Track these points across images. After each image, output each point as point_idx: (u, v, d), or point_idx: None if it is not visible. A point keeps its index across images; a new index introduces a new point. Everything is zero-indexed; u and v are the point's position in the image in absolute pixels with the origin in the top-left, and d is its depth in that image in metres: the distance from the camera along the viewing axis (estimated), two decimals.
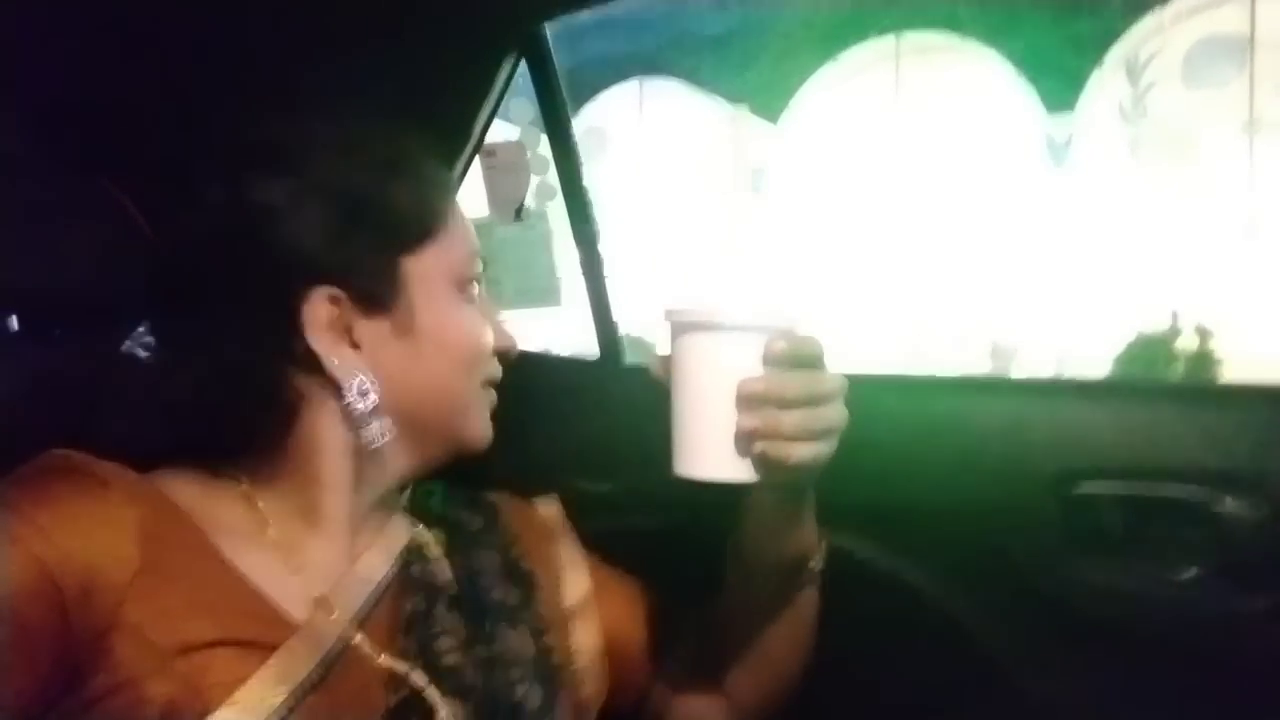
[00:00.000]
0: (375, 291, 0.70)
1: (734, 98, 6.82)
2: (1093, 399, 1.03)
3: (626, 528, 1.12)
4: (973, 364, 5.91)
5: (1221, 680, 0.90)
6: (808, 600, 0.84)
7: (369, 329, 0.70)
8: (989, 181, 5.85)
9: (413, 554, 0.76)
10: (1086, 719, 0.95)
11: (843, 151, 6.25)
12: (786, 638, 0.85)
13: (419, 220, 0.73)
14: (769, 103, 6.65)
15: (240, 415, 0.69)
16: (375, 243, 0.71)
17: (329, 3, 1.03)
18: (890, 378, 1.11)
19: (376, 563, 0.73)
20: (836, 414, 0.68)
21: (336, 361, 0.68)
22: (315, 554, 0.71)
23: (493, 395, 0.79)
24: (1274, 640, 0.88)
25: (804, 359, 0.67)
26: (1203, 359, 5.43)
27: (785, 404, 0.65)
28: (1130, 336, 5.44)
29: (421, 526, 0.79)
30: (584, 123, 6.65)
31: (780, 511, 0.78)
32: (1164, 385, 1.20)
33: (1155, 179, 5.27)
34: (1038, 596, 0.97)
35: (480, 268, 0.77)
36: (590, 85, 6.81)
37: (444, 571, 0.77)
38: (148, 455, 0.70)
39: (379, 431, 0.70)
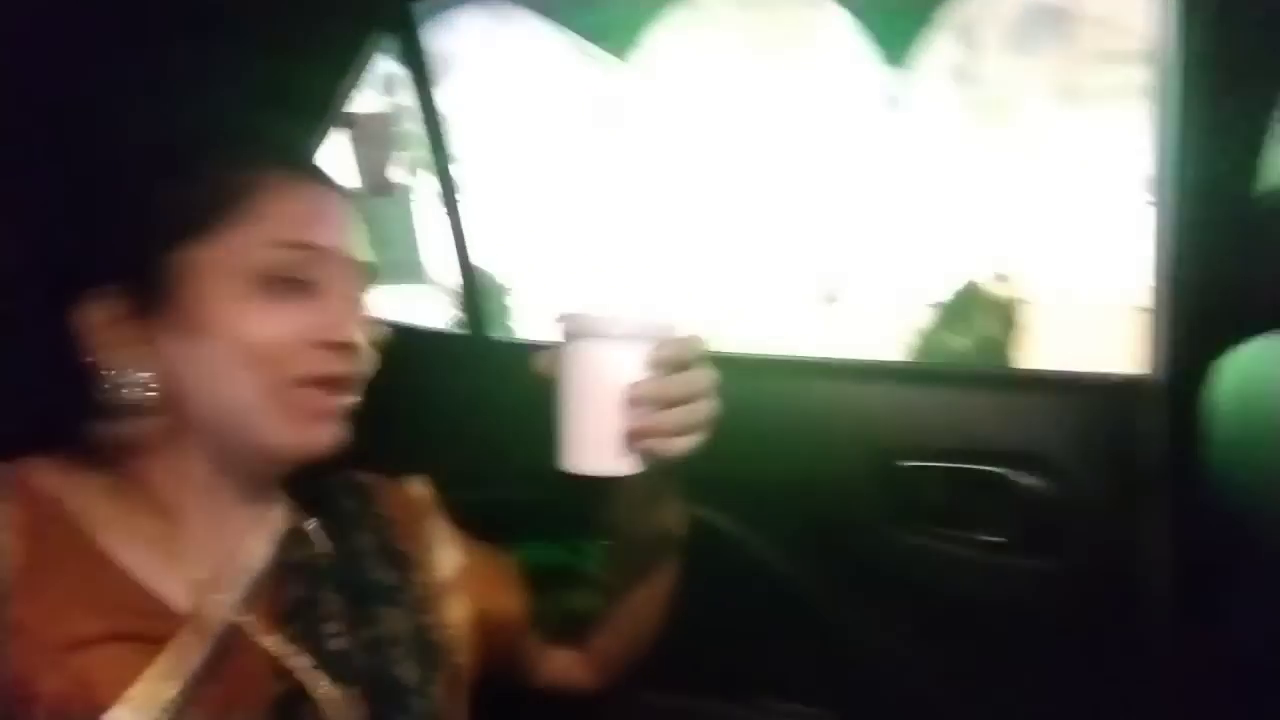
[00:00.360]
0: (148, 290, 0.69)
1: (584, 33, 6.72)
2: (915, 383, 1.15)
3: (495, 499, 1.17)
4: (807, 303, 6.18)
5: (1018, 626, 1.05)
6: (669, 567, 0.92)
7: (149, 328, 0.70)
8: (829, 130, 6.05)
9: (292, 539, 0.77)
10: (905, 664, 1.08)
11: (690, 92, 6.30)
12: (648, 601, 0.93)
13: (192, 216, 0.70)
14: (618, 40, 6.59)
15: (55, 413, 0.70)
16: (143, 241, 0.70)
17: None
18: (739, 358, 1.19)
19: (257, 549, 0.75)
20: (710, 408, 0.76)
21: (103, 357, 0.69)
22: (188, 542, 0.71)
23: (333, 397, 0.73)
24: (1062, 591, 1.02)
25: (684, 362, 0.73)
26: (1012, 304, 5.91)
27: (668, 404, 0.72)
28: (951, 281, 5.82)
29: (300, 512, 0.80)
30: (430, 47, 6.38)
31: (651, 491, 0.85)
32: (973, 371, 1.34)
33: (982, 139, 5.60)
34: (864, 560, 1.09)
35: (304, 259, 0.72)
36: (438, 5, 6.52)
37: (325, 555, 0.78)
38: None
39: (141, 429, 0.69)
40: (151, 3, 0.95)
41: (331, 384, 0.73)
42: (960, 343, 5.90)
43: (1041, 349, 5.32)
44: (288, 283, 0.71)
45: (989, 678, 1.06)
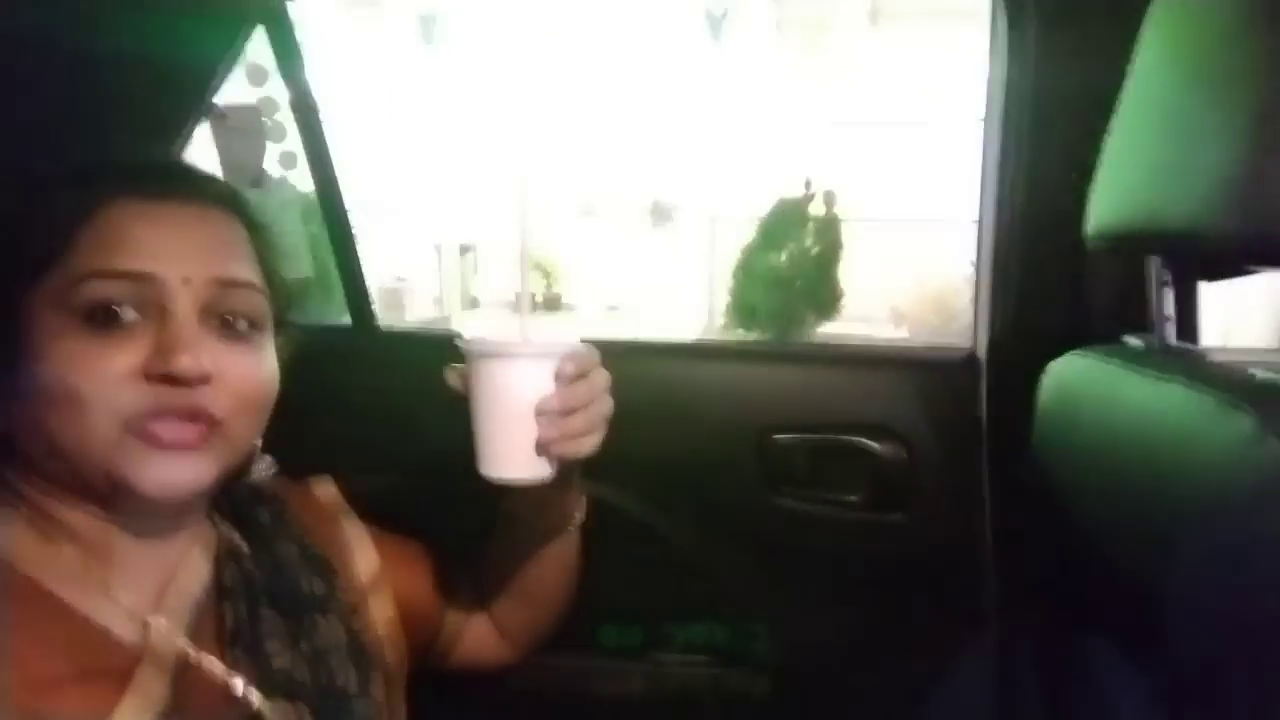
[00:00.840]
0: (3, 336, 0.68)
1: None
2: (786, 363, 1.27)
3: (395, 487, 1.20)
4: (638, 221, 6.29)
5: (877, 570, 1.22)
6: (571, 546, 1.00)
7: (9, 375, 0.68)
8: (651, 49, 6.07)
9: (226, 556, 0.79)
10: (782, 612, 1.24)
11: (517, 9, 6.12)
12: (555, 577, 1.01)
13: (23, 254, 0.69)
14: None
15: None
16: None
17: None
18: (627, 344, 1.27)
19: (195, 572, 0.76)
20: (607, 406, 0.84)
21: None
22: (123, 573, 0.72)
23: (169, 431, 0.68)
24: (911, 539, 1.19)
25: (584, 371, 0.80)
26: (829, 220, 6.23)
27: (571, 412, 0.79)
28: (772, 200, 6.06)
29: (228, 528, 0.82)
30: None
31: (557, 482, 0.89)
32: (834, 350, 1.48)
33: (795, 59, 5.78)
34: (744, 525, 1.22)
35: (123, 290, 0.68)
36: None
37: (256, 571, 0.81)
38: None
39: None
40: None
41: (174, 416, 0.68)
42: (779, 258, 6.21)
43: (859, 263, 5.70)
44: (113, 315, 0.68)
45: (853, 618, 1.22)
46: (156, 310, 0.69)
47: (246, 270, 0.76)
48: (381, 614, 0.92)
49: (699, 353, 1.30)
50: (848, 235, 5.95)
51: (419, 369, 1.21)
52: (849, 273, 5.86)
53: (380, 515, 0.97)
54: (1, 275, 0.68)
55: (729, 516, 1.22)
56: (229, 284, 0.73)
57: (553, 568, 0.99)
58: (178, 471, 0.69)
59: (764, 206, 6.06)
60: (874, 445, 1.19)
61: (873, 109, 5.65)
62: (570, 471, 0.88)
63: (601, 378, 0.82)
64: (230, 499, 0.86)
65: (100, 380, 0.66)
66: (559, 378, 0.78)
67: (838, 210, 6.03)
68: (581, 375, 0.80)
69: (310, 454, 0.97)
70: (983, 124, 1.10)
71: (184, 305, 0.69)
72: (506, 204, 5.85)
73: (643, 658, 1.25)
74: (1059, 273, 1.04)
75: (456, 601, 1.00)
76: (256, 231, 0.80)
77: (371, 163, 5.95)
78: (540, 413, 0.78)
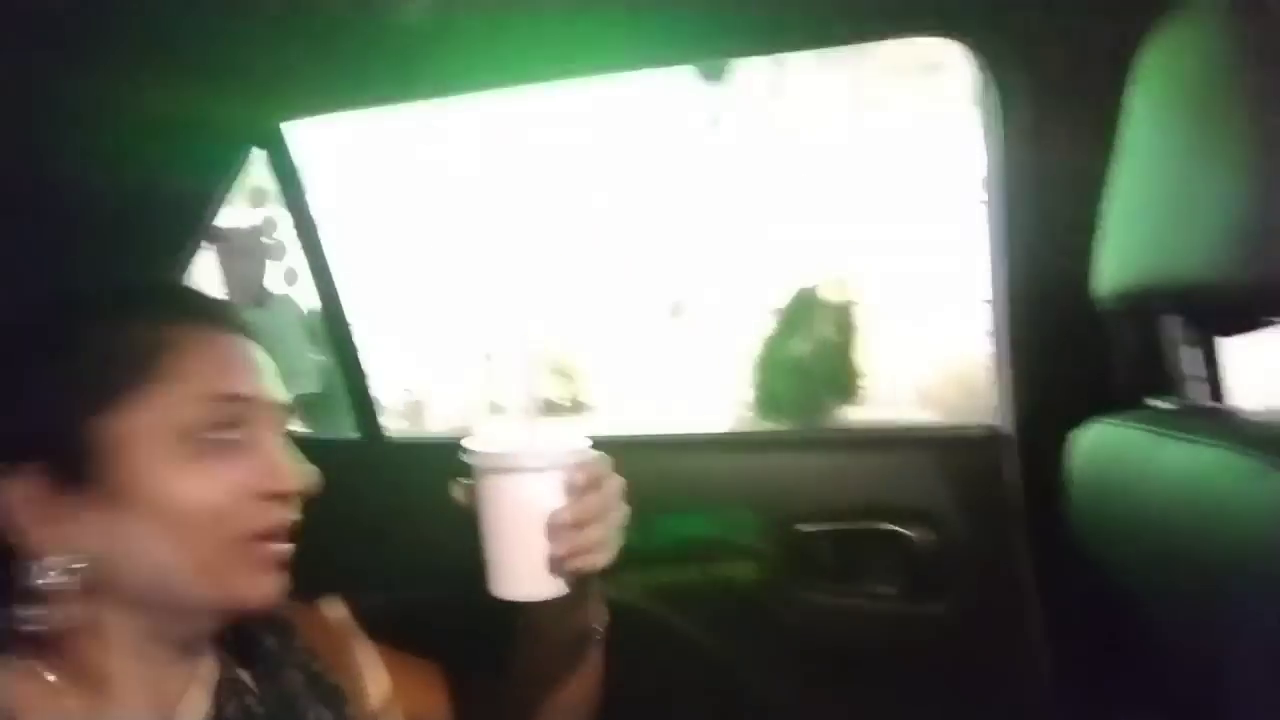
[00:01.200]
0: (69, 463, 0.66)
1: None
2: (809, 450, 1.23)
3: (408, 605, 1.17)
4: (654, 319, 6.32)
5: (913, 667, 1.15)
6: (593, 662, 0.95)
7: (74, 503, 0.66)
8: (658, 148, 6.21)
9: (227, 690, 0.76)
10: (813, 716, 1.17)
11: (520, 116, 6.32)
12: (576, 691, 0.95)
13: (111, 381, 0.68)
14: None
15: None
16: (61, 412, 0.67)
17: (67, 73, 0.94)
18: (643, 439, 1.24)
19: (194, 706, 0.73)
20: (623, 514, 0.80)
21: (32, 542, 0.66)
22: (120, 711, 0.69)
23: (275, 548, 0.71)
24: (953, 634, 1.12)
25: (596, 484, 0.76)
26: (843, 306, 6.24)
27: (585, 525, 0.75)
28: (788, 289, 6.09)
29: (230, 659, 0.79)
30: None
31: (575, 597, 0.86)
32: (856, 433, 1.45)
33: (796, 150, 5.90)
34: (768, 620, 1.16)
35: (231, 411, 0.70)
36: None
37: (261, 703, 0.78)
38: None
39: (66, 616, 0.66)
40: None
41: (275, 535, 0.71)
42: (799, 346, 6.20)
43: (878, 347, 5.66)
44: (216, 438, 0.69)
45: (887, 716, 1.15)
46: (250, 431, 0.71)
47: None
48: None
49: (713, 444, 1.26)
50: (866, 320, 5.95)
51: (430, 478, 1.19)
52: (871, 357, 5.83)
53: (393, 634, 0.93)
54: (83, 399, 0.67)
55: (753, 613, 1.16)
56: (287, 408, 0.77)
57: (575, 684, 0.94)
58: (266, 589, 0.72)
59: (781, 297, 6.08)
60: (904, 531, 1.14)
61: (874, 195, 5.72)
62: (587, 585, 0.84)
63: (614, 485, 0.78)
64: (234, 628, 0.83)
65: (214, 503, 0.67)
66: (570, 490, 0.74)
67: (851, 295, 6.04)
68: (593, 486, 0.76)
69: (320, 571, 0.94)
70: (985, 202, 1.09)
71: (274, 426, 0.73)
72: (526, 311, 5.91)
73: None
74: (1076, 339, 1.00)
75: None
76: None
77: (392, 275, 6.07)
78: (552, 530, 0.74)
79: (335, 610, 0.94)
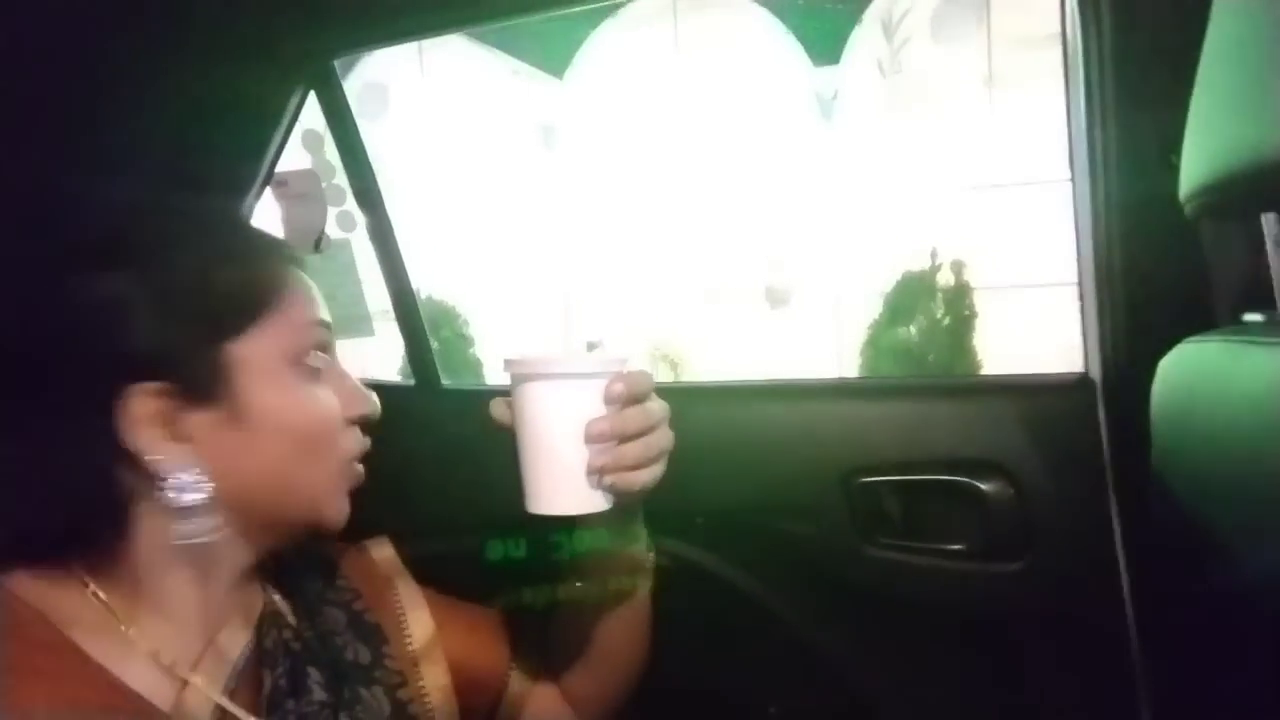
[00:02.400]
0: (198, 383, 0.67)
1: (518, 53, 6.72)
2: (870, 399, 1.15)
3: (457, 549, 1.15)
4: (753, 308, 6.22)
5: (986, 631, 1.06)
6: (640, 603, 0.92)
7: (198, 421, 0.67)
8: (762, 133, 6.10)
9: (268, 622, 0.76)
10: (881, 681, 1.09)
11: (627, 106, 6.32)
12: (623, 637, 0.93)
13: (241, 307, 0.70)
14: (553, 59, 6.60)
15: (66, 514, 0.67)
16: (195, 335, 0.68)
17: (118, 27, 0.96)
18: (697, 386, 1.19)
19: (236, 636, 0.73)
20: (667, 438, 0.77)
21: (159, 457, 0.66)
22: (169, 635, 0.69)
23: (357, 470, 0.76)
24: (1027, 595, 1.03)
25: (638, 395, 0.74)
26: (959, 290, 6.00)
27: (627, 438, 0.73)
28: (897, 274, 5.90)
29: (271, 591, 0.79)
30: (363, 78, 6.35)
31: (613, 527, 0.85)
32: (926, 382, 1.36)
33: (911, 128, 5.69)
34: (831, 578, 1.10)
35: (324, 336, 0.74)
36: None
37: (299, 638, 0.77)
38: None
39: (205, 528, 0.68)
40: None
41: (361, 458, 0.76)
42: (908, 333, 5.99)
43: (989, 332, 5.42)
44: (314, 364, 0.72)
45: (960, 683, 1.07)
46: (332, 357, 0.75)
47: None
48: (434, 681, 0.87)
49: (775, 392, 1.20)
50: (980, 304, 5.70)
51: (485, 427, 1.18)
52: (985, 343, 5.58)
53: (441, 579, 0.93)
54: (213, 323, 0.69)
55: (815, 570, 1.09)
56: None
57: (623, 626, 0.92)
58: (347, 508, 0.76)
59: (887, 282, 5.89)
60: (978, 484, 1.05)
61: (994, 172, 5.46)
62: (630, 511, 0.83)
63: (659, 407, 0.76)
64: (279, 563, 0.83)
65: (326, 424, 0.72)
66: (609, 400, 0.73)
67: (967, 278, 5.79)
68: (635, 400, 0.74)
69: (371, 515, 0.94)
70: (1065, 105, 0.99)
71: (336, 352, 0.77)
72: (632, 299, 5.91)
73: None
74: (1168, 266, 0.90)
75: (520, 668, 0.94)
76: None
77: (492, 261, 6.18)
78: (591, 440, 0.72)
79: (382, 550, 0.94)
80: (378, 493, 1.12)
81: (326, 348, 0.74)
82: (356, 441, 0.75)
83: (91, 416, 0.65)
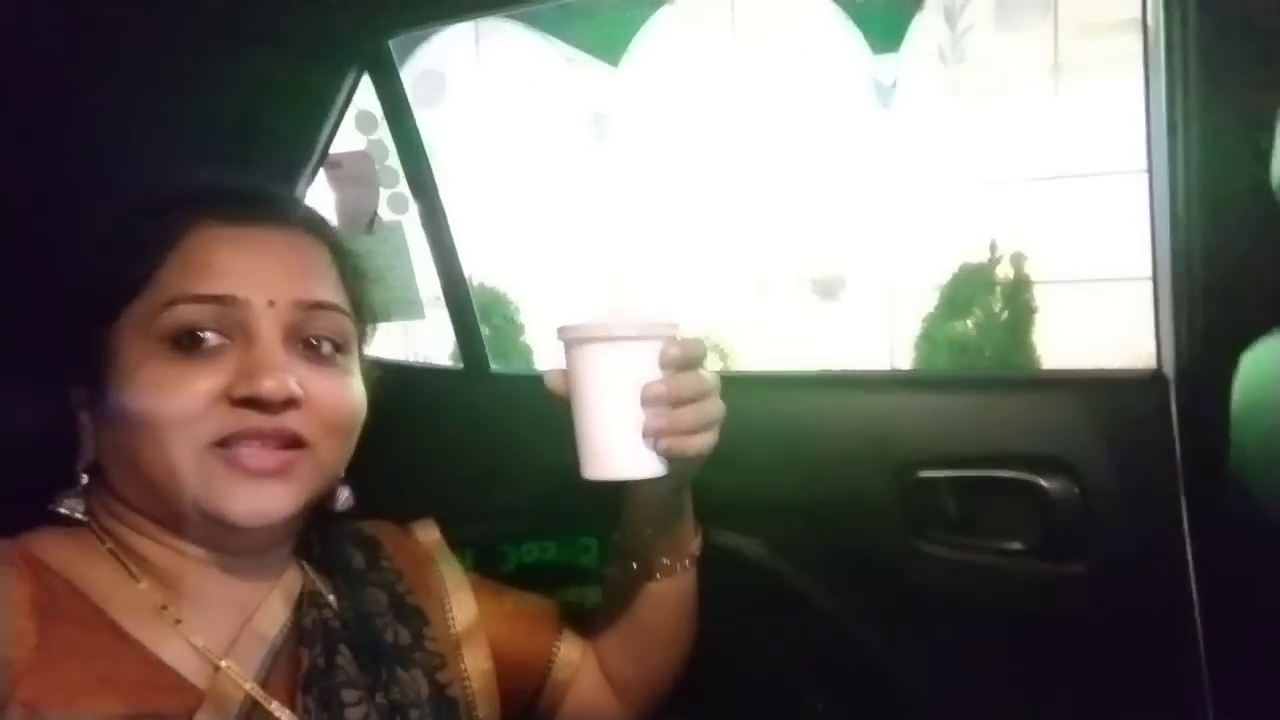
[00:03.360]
0: (89, 363, 0.69)
1: (573, 41, 6.73)
2: (928, 391, 1.12)
3: (502, 534, 1.15)
4: (803, 299, 6.15)
5: (1046, 634, 1.02)
6: (687, 587, 0.92)
7: (96, 399, 0.70)
8: (819, 121, 6.02)
9: (307, 601, 0.76)
10: (932, 682, 1.06)
11: (683, 94, 6.29)
12: (670, 623, 0.93)
13: (114, 286, 0.69)
14: (608, 46, 6.59)
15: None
16: (81, 317, 0.70)
17: (173, 11, 0.96)
18: (748, 375, 1.17)
19: (272, 615, 0.73)
20: (719, 407, 0.78)
21: (83, 434, 0.71)
22: (197, 611, 0.70)
23: (252, 454, 0.67)
24: (1090, 597, 1.00)
25: (692, 361, 0.75)
26: (1019, 283, 5.86)
27: (681, 402, 0.73)
28: (954, 266, 5.78)
29: (313, 572, 0.79)
30: (419, 65, 6.41)
31: (664, 505, 0.86)
32: (987, 375, 1.31)
33: (972, 118, 5.57)
34: (885, 575, 1.06)
35: (197, 315, 0.68)
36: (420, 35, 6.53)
37: (339, 618, 0.77)
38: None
39: (71, 505, 0.70)
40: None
41: (258, 441, 0.67)
42: (965, 327, 5.88)
43: (1051, 327, 5.29)
44: (197, 339, 0.67)
45: (1020, 686, 1.03)
46: (242, 334, 0.69)
47: (331, 292, 0.75)
48: (475, 666, 0.86)
49: (830, 383, 1.17)
50: (1041, 298, 5.56)
51: (532, 412, 1.17)
52: (1046, 338, 5.45)
53: (487, 565, 0.92)
54: (89, 304, 0.69)
55: (867, 565, 1.06)
56: (313, 306, 0.72)
57: (669, 609, 0.92)
58: (265, 499, 0.68)
59: (943, 275, 5.78)
60: (1040, 481, 1.01)
61: (1058, 163, 5.31)
62: (681, 483, 0.84)
63: (711, 375, 0.77)
64: (322, 541, 0.84)
65: (183, 403, 0.65)
66: (664, 363, 0.73)
67: (1028, 272, 5.65)
68: (689, 364, 0.75)
69: (419, 498, 0.94)
70: (1145, 92, 0.94)
71: (268, 328, 0.69)
72: (688, 286, 5.88)
73: None
74: (1252, 258, 0.85)
75: (563, 652, 0.94)
76: (341, 255, 0.80)
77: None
78: (647, 403, 0.72)
79: (427, 532, 0.94)
80: (424, 476, 1.13)
81: (222, 325, 0.68)
82: (246, 422, 0.66)
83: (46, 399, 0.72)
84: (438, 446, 1.19)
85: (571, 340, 0.74)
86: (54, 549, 0.68)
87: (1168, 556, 0.95)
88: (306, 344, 0.72)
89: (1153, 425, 0.97)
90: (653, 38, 6.50)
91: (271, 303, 0.69)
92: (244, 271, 0.70)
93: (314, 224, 0.79)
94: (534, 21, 6.57)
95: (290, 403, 0.68)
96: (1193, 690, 0.94)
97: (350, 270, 0.80)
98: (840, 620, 1.08)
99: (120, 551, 0.70)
